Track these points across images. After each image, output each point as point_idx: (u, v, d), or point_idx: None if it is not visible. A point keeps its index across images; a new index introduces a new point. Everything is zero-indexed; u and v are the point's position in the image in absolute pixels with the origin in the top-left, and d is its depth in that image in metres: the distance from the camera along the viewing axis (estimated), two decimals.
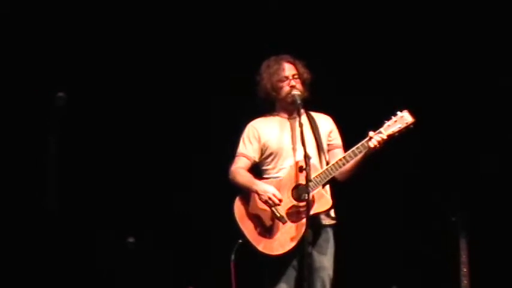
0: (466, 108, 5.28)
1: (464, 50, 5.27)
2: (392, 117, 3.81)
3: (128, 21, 5.39)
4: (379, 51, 5.35)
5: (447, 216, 4.85)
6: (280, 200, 3.83)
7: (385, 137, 3.78)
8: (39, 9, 5.29)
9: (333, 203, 3.91)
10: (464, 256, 4.70)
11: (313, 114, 4.11)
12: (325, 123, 4.10)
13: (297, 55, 4.10)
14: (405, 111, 3.81)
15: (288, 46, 4.22)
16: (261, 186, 3.90)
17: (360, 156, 3.82)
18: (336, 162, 3.86)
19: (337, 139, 4.07)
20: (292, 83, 4.01)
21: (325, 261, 3.90)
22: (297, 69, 4.05)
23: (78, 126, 5.15)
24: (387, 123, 3.81)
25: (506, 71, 5.19)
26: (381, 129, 3.80)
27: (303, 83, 4.05)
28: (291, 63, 4.06)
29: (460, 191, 5.17)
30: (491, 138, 5.22)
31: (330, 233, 3.97)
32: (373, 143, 3.77)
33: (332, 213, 3.99)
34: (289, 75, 4.03)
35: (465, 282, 4.66)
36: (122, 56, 5.40)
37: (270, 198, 3.83)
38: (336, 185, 4.01)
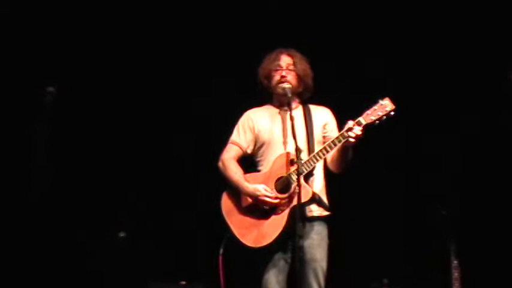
0: (458, 103, 5.30)
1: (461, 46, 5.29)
2: (373, 105, 3.78)
3: (118, 16, 5.38)
4: (375, 47, 5.36)
5: (438, 209, 4.88)
6: (274, 197, 3.86)
7: (361, 129, 3.72)
8: (28, 4, 5.27)
9: (327, 195, 3.96)
10: (454, 249, 4.73)
11: (311, 106, 4.11)
12: (321, 115, 4.09)
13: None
14: (386, 98, 3.78)
15: (288, 45, 4.19)
16: (250, 189, 3.91)
17: (340, 145, 3.80)
18: (317, 153, 3.86)
19: (333, 131, 4.03)
20: (284, 73, 4.02)
21: (316, 253, 3.89)
22: (293, 61, 4.06)
23: (68, 121, 5.14)
24: (367, 111, 3.77)
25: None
26: (360, 119, 3.76)
27: (298, 76, 4.05)
28: (289, 55, 4.08)
29: (450, 184, 5.20)
30: (483, 131, 5.23)
31: (322, 225, 3.97)
32: (350, 136, 3.73)
33: (325, 204, 3.99)
34: (283, 65, 4.04)
35: (456, 274, 4.69)
36: (113, 51, 5.39)
37: (267, 202, 3.86)
38: (330, 179, 4.03)
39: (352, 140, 3.73)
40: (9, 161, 5.17)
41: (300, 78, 4.05)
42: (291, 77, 4.02)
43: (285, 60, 4.05)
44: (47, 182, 3.90)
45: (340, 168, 3.96)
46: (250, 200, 3.93)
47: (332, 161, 3.97)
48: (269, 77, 4.06)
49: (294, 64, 4.05)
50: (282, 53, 4.09)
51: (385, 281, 4.98)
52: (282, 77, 4.01)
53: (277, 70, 4.03)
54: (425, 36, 5.33)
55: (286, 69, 4.03)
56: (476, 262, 4.93)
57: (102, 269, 5.13)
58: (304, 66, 4.07)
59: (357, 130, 3.72)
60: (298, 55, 4.09)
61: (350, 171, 3.99)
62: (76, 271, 5.16)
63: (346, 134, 3.76)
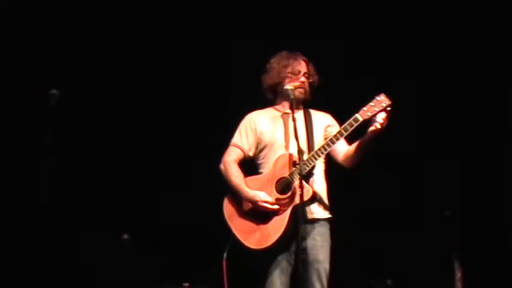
0: (460, 102, 5.31)
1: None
2: (370, 101, 3.78)
3: (121, 17, 5.39)
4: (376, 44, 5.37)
5: (440, 210, 4.89)
6: (273, 203, 3.88)
7: (384, 118, 3.74)
8: (32, 6, 5.28)
9: (328, 198, 3.97)
10: (457, 250, 4.74)
11: (312, 111, 4.14)
12: (323, 119, 4.12)
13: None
14: (382, 94, 3.78)
15: (288, 46, 4.22)
16: (250, 195, 3.93)
17: (337, 143, 3.85)
18: (315, 152, 3.88)
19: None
20: (302, 79, 4.06)
21: (319, 254, 3.90)
22: (308, 69, 4.11)
23: (72, 123, 5.15)
24: (363, 108, 3.78)
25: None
26: (357, 115, 3.78)
27: (310, 84, 4.10)
28: (306, 62, 4.12)
29: (453, 185, 5.20)
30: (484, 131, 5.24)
31: (325, 226, 3.98)
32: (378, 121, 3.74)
33: (327, 206, 4.00)
34: (302, 71, 4.07)
35: (459, 275, 4.69)
36: (117, 53, 5.40)
37: (266, 207, 3.87)
38: (330, 180, 4.04)
39: (378, 126, 3.70)
40: (13, 163, 5.18)
41: (311, 85, 4.11)
42: (306, 85, 4.08)
43: (304, 66, 4.10)
44: (51, 184, 3.90)
45: (356, 161, 3.94)
46: (251, 204, 3.95)
47: (347, 155, 3.96)
48: (284, 79, 4.06)
49: (309, 72, 4.10)
50: (299, 56, 4.11)
51: (389, 282, 4.99)
52: (302, 82, 4.05)
53: (296, 74, 4.06)
54: (424, 35, 5.34)
55: (304, 75, 4.08)
56: (478, 263, 4.93)
57: (105, 270, 5.14)
58: (315, 72, 4.13)
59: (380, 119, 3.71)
60: (310, 63, 4.14)
61: (351, 171, 4.01)
62: (78, 273, 5.18)
63: (343, 132, 3.80)
